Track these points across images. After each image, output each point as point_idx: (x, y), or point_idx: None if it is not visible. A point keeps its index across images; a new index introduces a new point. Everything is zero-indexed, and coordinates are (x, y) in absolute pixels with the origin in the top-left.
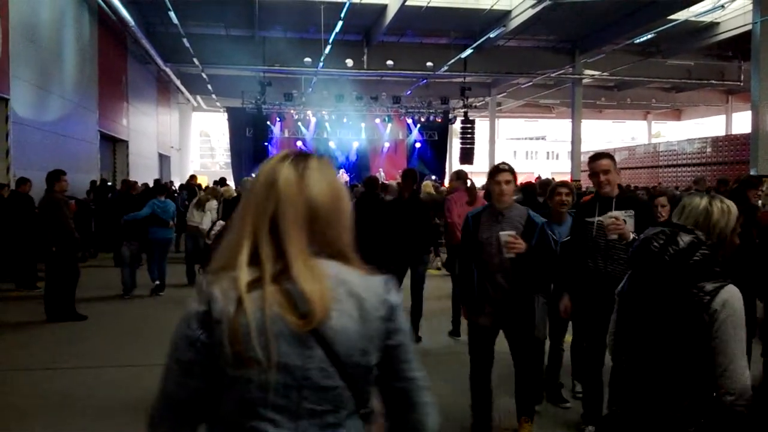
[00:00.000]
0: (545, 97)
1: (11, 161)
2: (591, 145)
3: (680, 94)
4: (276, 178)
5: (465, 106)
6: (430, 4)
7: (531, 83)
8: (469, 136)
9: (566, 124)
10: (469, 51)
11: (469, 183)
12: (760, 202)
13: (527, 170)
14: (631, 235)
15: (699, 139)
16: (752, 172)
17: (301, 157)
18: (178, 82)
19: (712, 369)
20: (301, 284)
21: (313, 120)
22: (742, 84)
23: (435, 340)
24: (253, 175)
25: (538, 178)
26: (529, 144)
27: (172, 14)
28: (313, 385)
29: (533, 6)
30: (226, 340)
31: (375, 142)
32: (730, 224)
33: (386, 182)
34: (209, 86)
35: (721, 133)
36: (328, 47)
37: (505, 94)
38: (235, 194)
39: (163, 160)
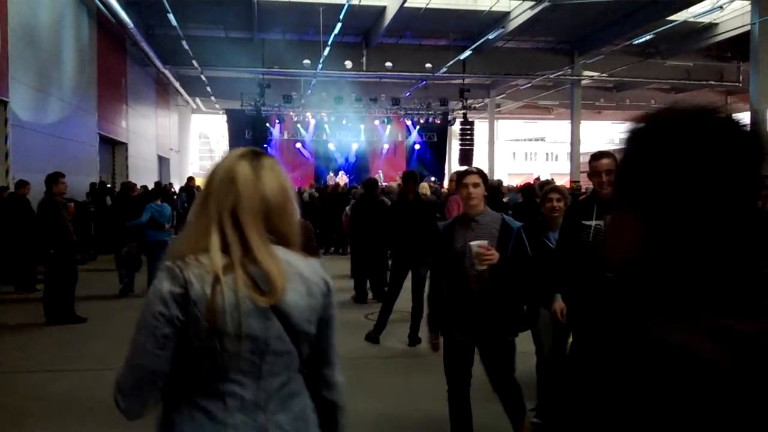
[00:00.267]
0: (544, 99)
1: (10, 164)
2: (590, 146)
3: (679, 95)
4: (235, 176)
5: (464, 107)
6: (429, 6)
7: (530, 84)
8: (468, 137)
9: (565, 125)
10: (468, 52)
11: None
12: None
13: (526, 171)
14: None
15: None
16: None
17: (256, 157)
18: (177, 85)
19: None
20: (263, 267)
21: (312, 122)
22: (740, 85)
23: None
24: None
25: (537, 179)
26: (528, 145)
27: (171, 16)
28: (272, 351)
29: (532, 7)
30: (203, 318)
31: (374, 144)
32: None
33: (388, 184)
34: (208, 88)
35: None
36: (327, 49)
37: (504, 95)
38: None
39: (163, 162)
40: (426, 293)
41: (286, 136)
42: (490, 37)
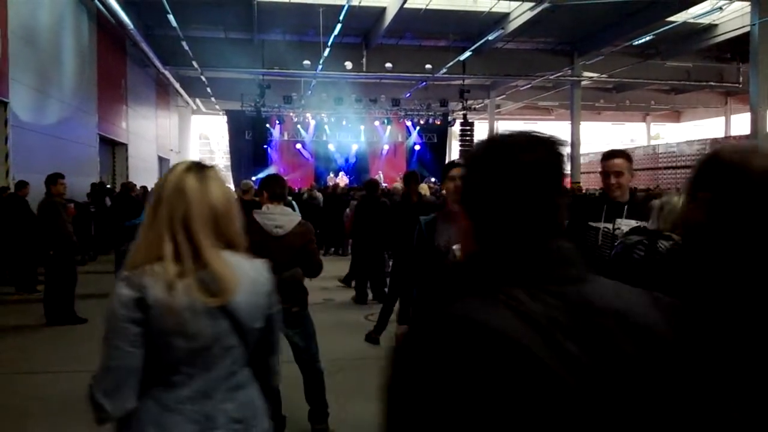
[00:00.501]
0: (544, 99)
1: (11, 165)
2: (590, 148)
3: (679, 96)
4: (183, 187)
5: (464, 108)
6: (428, 7)
7: (530, 85)
8: (468, 138)
9: (565, 126)
10: (467, 53)
11: None
12: None
13: None
14: None
15: (698, 140)
16: None
17: (201, 169)
18: (177, 85)
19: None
20: (214, 271)
21: (312, 123)
22: (740, 86)
23: None
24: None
25: None
26: None
27: (171, 17)
28: (220, 346)
29: (531, 8)
30: (159, 319)
31: (374, 145)
32: None
33: (394, 185)
34: (208, 89)
35: (720, 134)
36: (327, 50)
37: (504, 96)
38: (235, 197)
39: (163, 163)
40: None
41: (286, 137)
42: (490, 38)
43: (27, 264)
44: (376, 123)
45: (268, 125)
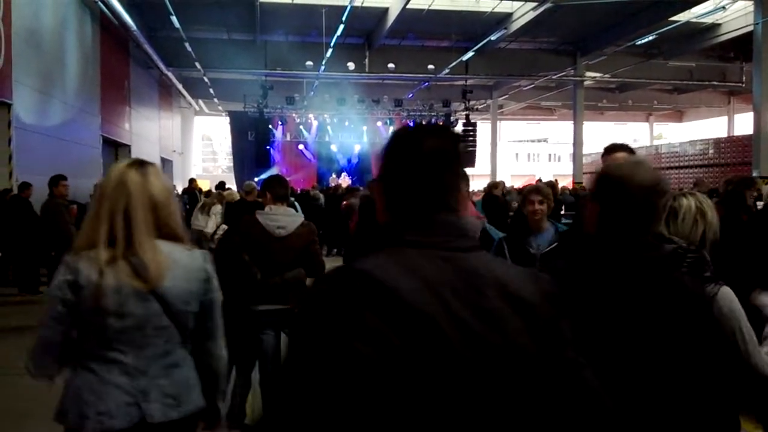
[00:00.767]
0: (547, 100)
1: (14, 166)
2: (593, 147)
3: (682, 96)
4: (125, 180)
5: (467, 108)
6: (431, 7)
7: (532, 85)
8: (470, 138)
9: (568, 126)
10: (470, 54)
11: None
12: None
13: (529, 173)
14: None
15: (701, 140)
16: (754, 174)
17: (141, 165)
18: (180, 86)
19: (713, 375)
20: (143, 259)
21: (314, 123)
22: (743, 85)
23: None
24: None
25: (539, 180)
26: (530, 146)
27: (174, 18)
28: (152, 326)
29: (534, 8)
30: (90, 300)
31: (377, 146)
32: (717, 222)
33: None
34: (211, 90)
35: (723, 134)
36: (330, 51)
37: (506, 96)
38: (237, 197)
39: (166, 164)
40: None
41: (288, 138)
42: (493, 38)
43: (30, 265)
44: (379, 123)
45: (270, 126)
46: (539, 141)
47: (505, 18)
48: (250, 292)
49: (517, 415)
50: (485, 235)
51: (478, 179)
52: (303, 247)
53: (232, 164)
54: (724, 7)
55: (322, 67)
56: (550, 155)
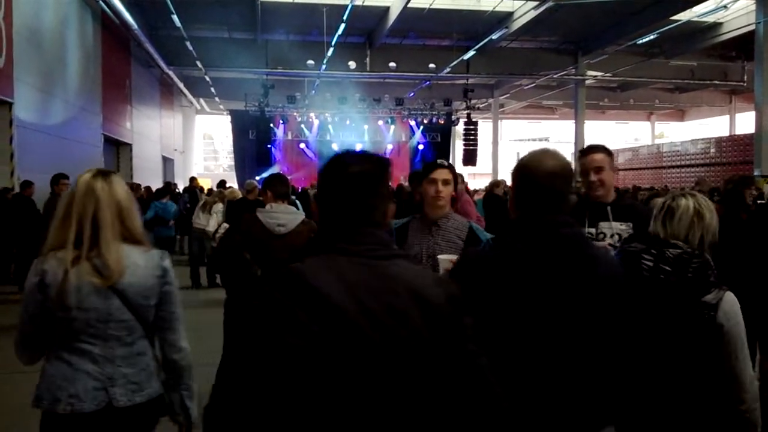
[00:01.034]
0: (548, 99)
1: (15, 165)
2: None
3: (683, 95)
4: (93, 188)
5: (468, 107)
6: (432, 6)
7: (534, 84)
8: (472, 137)
9: (569, 125)
10: (471, 53)
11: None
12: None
13: None
14: None
15: (702, 139)
16: (756, 173)
17: (106, 174)
18: (181, 85)
19: (718, 380)
20: (106, 258)
21: (315, 122)
22: (745, 84)
23: None
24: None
25: None
26: (532, 145)
27: (175, 17)
28: (114, 319)
29: (535, 7)
30: (55, 297)
31: (378, 144)
32: (717, 221)
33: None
34: (212, 89)
35: (725, 133)
36: (331, 49)
37: (507, 95)
38: (239, 196)
39: (167, 162)
40: None
41: (289, 137)
42: (494, 37)
43: (31, 263)
44: (380, 122)
45: (271, 125)
46: (540, 140)
47: (506, 17)
48: (250, 290)
49: (415, 393)
50: (472, 235)
51: (479, 178)
52: (303, 244)
53: (233, 163)
54: (725, 6)
55: (324, 66)
56: None
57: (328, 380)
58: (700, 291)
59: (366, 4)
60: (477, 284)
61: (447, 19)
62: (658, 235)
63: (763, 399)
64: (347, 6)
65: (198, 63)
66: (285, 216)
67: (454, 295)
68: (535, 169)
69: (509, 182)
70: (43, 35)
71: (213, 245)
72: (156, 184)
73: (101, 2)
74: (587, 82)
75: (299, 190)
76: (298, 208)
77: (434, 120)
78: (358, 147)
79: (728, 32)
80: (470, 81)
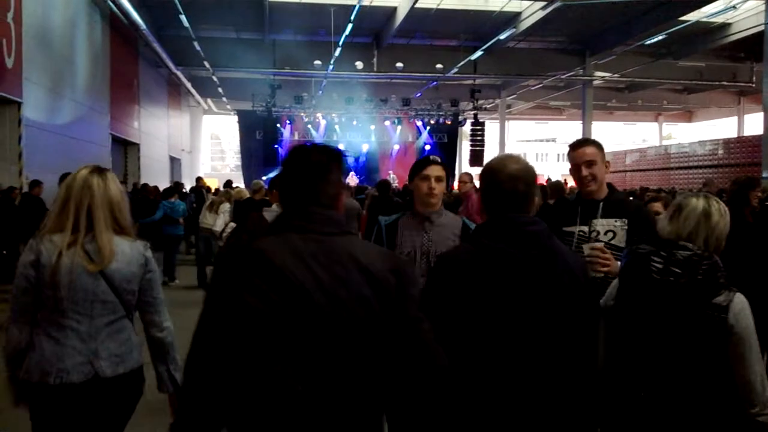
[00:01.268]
0: (555, 99)
1: (24, 164)
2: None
3: (691, 96)
4: (90, 183)
5: (475, 108)
6: (439, 7)
7: (541, 85)
8: (479, 138)
9: (577, 126)
10: (479, 53)
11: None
12: None
13: (538, 172)
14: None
15: (710, 141)
16: (764, 175)
17: (101, 171)
18: (189, 85)
19: (729, 383)
20: (99, 245)
21: (322, 122)
22: (754, 85)
23: None
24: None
25: (548, 180)
26: (539, 146)
27: (183, 18)
28: (100, 300)
29: (543, 7)
30: (48, 276)
31: (384, 145)
32: (727, 227)
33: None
34: (220, 89)
35: (733, 134)
36: (338, 50)
37: (515, 96)
38: (246, 196)
39: (174, 162)
40: None
41: (296, 137)
42: (501, 37)
43: None
44: (387, 123)
45: (278, 125)
46: (548, 141)
47: (513, 17)
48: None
49: (357, 349)
50: (467, 230)
51: None
52: None
53: (240, 163)
54: (734, 7)
55: (331, 66)
56: (558, 155)
57: (282, 335)
58: (710, 293)
59: (373, 4)
60: (453, 282)
61: (454, 19)
62: (663, 233)
63: None
64: (355, 6)
65: (206, 63)
66: None
67: (397, 267)
68: (499, 173)
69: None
70: (51, 35)
71: (220, 245)
72: (163, 183)
73: (110, 2)
74: (595, 82)
75: None
76: None
77: (441, 120)
78: (365, 148)
79: (737, 33)
80: (477, 81)
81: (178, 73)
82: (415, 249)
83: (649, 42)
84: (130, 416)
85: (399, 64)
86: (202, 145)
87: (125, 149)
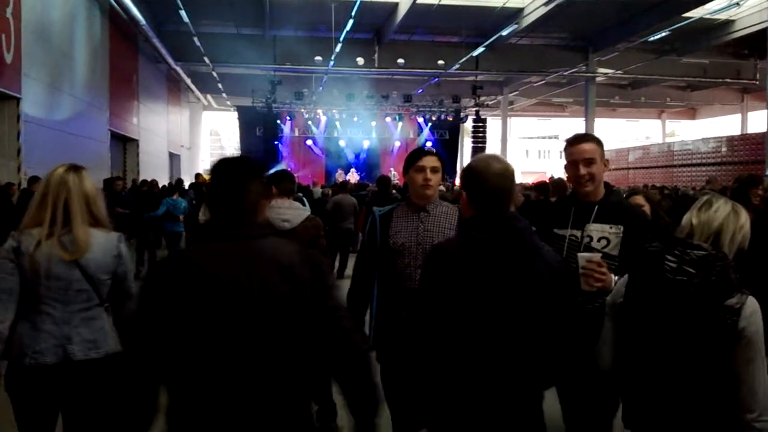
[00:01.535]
0: (558, 96)
1: (22, 160)
2: (605, 145)
3: (695, 93)
4: (66, 180)
5: (477, 104)
6: (441, 2)
7: (543, 81)
8: (480, 135)
9: (579, 123)
10: (480, 49)
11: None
12: None
13: (540, 169)
14: (613, 282)
15: (714, 138)
16: (767, 172)
17: (77, 169)
18: (188, 81)
19: (733, 386)
20: (75, 237)
21: (323, 119)
22: (757, 82)
23: None
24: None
25: (551, 177)
26: (541, 143)
27: (183, 13)
28: (74, 288)
29: (546, 3)
30: (27, 264)
31: (385, 141)
32: (748, 231)
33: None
34: (220, 85)
35: (737, 132)
36: (339, 46)
37: (517, 92)
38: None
39: (174, 158)
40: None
41: (296, 133)
42: (504, 33)
43: None
44: (388, 119)
45: (278, 121)
46: (550, 138)
47: (516, 13)
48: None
49: (278, 339)
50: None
51: None
52: (308, 241)
53: None
54: (738, 3)
55: (331, 62)
56: (560, 152)
57: (205, 330)
58: (723, 294)
59: None
60: (444, 271)
61: (456, 14)
62: (687, 226)
63: None
64: (355, 2)
65: (205, 59)
66: (290, 212)
67: (314, 262)
68: (484, 172)
69: (518, 180)
70: (50, 31)
71: None
72: (162, 180)
73: None
74: (598, 79)
75: (310, 187)
76: (304, 205)
77: (443, 117)
78: (366, 144)
79: (741, 30)
80: (479, 78)
81: (178, 69)
82: (411, 239)
83: (652, 38)
84: (114, 400)
85: (400, 60)
86: (201, 141)
87: (124, 145)
